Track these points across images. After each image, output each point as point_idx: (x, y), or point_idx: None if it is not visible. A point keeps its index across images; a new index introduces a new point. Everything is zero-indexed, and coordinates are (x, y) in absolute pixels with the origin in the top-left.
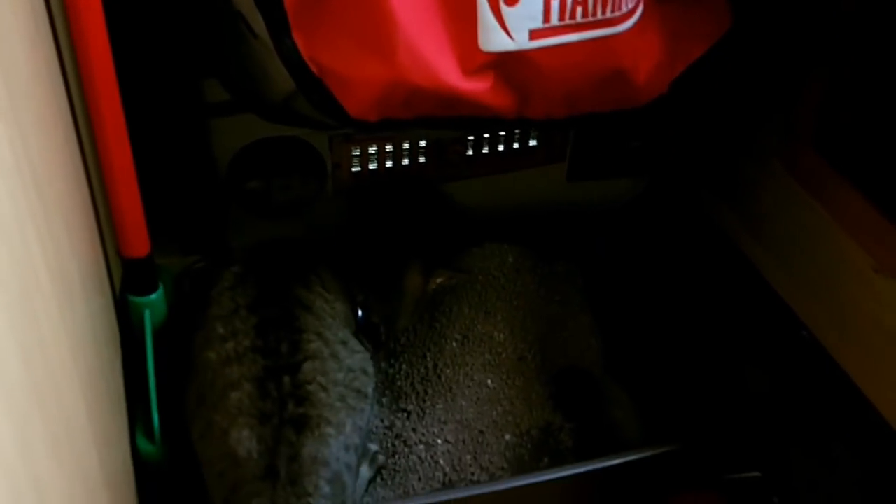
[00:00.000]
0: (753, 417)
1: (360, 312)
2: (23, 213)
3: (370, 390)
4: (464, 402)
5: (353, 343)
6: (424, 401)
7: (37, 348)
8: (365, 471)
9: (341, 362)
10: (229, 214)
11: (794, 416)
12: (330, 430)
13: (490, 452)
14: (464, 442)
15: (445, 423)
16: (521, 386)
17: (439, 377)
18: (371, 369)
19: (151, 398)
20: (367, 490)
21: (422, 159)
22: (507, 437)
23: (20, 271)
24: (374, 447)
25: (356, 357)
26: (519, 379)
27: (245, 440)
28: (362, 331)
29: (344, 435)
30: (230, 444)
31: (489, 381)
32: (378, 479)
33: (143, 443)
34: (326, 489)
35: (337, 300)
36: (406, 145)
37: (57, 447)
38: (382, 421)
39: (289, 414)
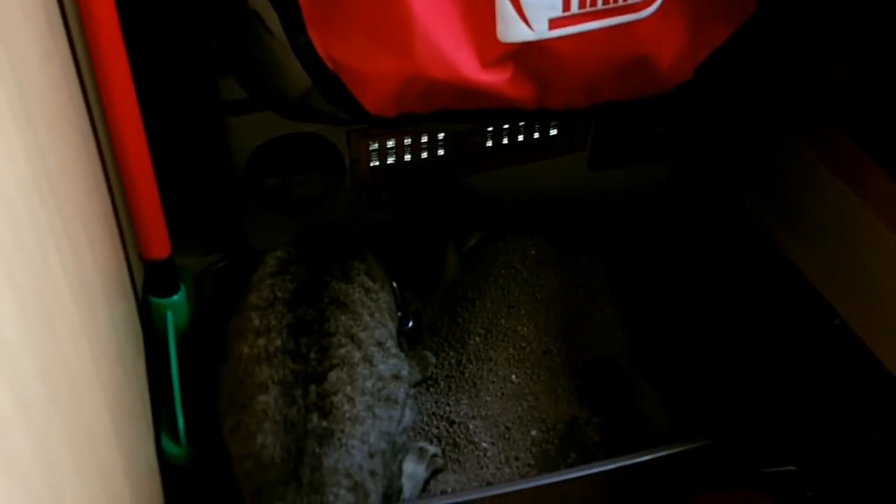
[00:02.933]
0: (787, 409)
1: (411, 323)
2: (42, 228)
3: (401, 394)
4: (489, 398)
5: (391, 344)
6: (449, 397)
7: (59, 365)
8: (421, 471)
9: (373, 368)
10: (248, 212)
11: (829, 406)
12: (353, 441)
13: (517, 448)
14: (491, 438)
15: (471, 419)
16: (546, 380)
17: (463, 373)
18: (405, 372)
19: (176, 400)
20: (424, 489)
21: (441, 152)
22: (534, 432)
23: (41, 290)
24: (431, 449)
25: (390, 363)
26: (544, 373)
27: (270, 446)
28: (403, 326)
29: (368, 444)
30: (256, 447)
31: (514, 376)
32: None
33: (168, 445)
34: (349, 497)
35: (382, 290)
36: (424, 138)
37: (79, 461)
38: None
39: (313, 425)
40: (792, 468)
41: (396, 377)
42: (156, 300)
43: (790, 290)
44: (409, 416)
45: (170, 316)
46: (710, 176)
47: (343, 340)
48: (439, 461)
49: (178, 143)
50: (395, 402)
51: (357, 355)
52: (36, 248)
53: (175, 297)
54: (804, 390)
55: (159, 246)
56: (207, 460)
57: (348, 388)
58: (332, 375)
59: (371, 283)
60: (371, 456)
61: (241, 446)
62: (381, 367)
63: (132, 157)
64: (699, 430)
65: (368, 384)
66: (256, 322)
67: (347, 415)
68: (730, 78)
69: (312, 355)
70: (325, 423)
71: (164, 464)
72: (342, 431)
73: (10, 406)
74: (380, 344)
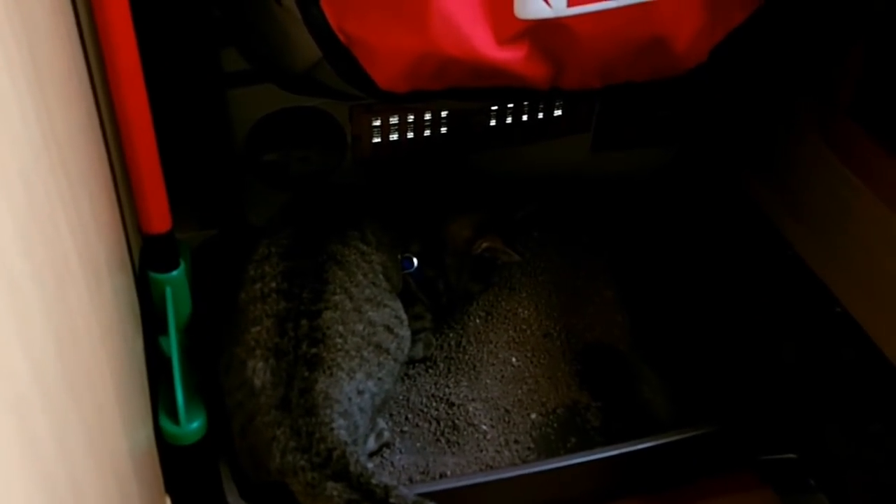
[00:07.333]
0: (788, 397)
1: (415, 262)
2: (52, 195)
3: (393, 348)
4: (488, 381)
5: (385, 299)
6: (448, 378)
7: (69, 336)
8: (372, 443)
9: (363, 315)
10: (247, 187)
11: (830, 394)
12: (341, 374)
13: (516, 432)
14: (490, 420)
15: (471, 401)
16: (546, 363)
17: (462, 355)
18: (400, 330)
19: (175, 377)
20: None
21: (444, 130)
22: (534, 416)
23: (53, 257)
24: (382, 423)
25: (382, 312)
26: (544, 356)
27: (260, 371)
28: (419, 284)
29: (355, 381)
30: (247, 374)
31: (514, 359)
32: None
33: (166, 423)
34: (341, 422)
35: (375, 251)
36: (428, 116)
37: (90, 438)
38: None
39: (302, 352)
40: (792, 456)
41: (389, 329)
42: (155, 275)
43: (792, 276)
44: (392, 379)
45: (169, 292)
46: (712, 159)
47: (337, 290)
48: (386, 435)
49: (178, 114)
50: (386, 351)
51: (349, 305)
52: (47, 215)
53: (174, 273)
54: (805, 378)
55: (160, 220)
56: (207, 440)
57: (340, 328)
58: (326, 314)
59: (365, 247)
60: (360, 393)
61: (232, 378)
62: (372, 314)
63: (135, 127)
64: (699, 417)
65: (359, 327)
66: (252, 272)
67: (339, 346)
68: (739, 61)
69: (306, 295)
70: (314, 350)
71: (162, 444)
72: (332, 360)
73: (28, 378)
74: (369, 300)
